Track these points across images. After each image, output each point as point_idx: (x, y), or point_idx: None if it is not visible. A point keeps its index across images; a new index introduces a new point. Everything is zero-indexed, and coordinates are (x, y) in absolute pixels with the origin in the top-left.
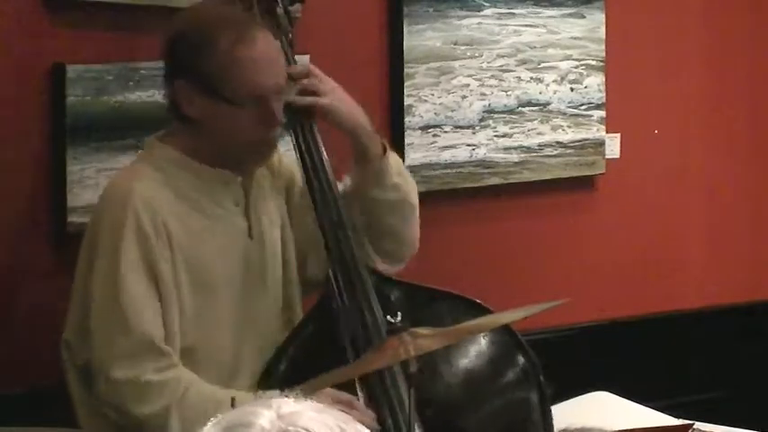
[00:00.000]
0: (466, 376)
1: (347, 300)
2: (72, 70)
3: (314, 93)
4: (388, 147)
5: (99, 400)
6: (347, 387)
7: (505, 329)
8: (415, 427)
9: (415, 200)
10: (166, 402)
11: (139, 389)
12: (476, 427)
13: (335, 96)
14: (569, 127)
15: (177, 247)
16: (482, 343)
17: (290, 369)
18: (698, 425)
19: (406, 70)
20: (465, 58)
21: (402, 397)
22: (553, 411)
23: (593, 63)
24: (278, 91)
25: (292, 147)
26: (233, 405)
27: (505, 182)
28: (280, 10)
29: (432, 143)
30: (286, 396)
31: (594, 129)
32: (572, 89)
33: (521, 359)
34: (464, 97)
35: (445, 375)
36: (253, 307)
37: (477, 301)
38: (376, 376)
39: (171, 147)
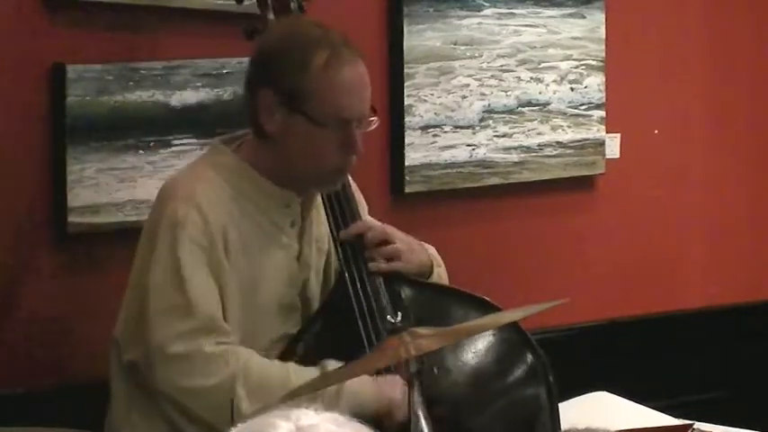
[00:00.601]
0: (474, 374)
1: (357, 296)
2: (72, 70)
3: (392, 257)
4: (435, 264)
5: (157, 389)
6: None
7: (514, 327)
8: (424, 424)
9: (446, 281)
10: (231, 372)
11: (201, 361)
12: (484, 424)
13: (407, 256)
14: (569, 127)
15: (232, 257)
16: (491, 341)
17: (299, 364)
18: (698, 425)
19: (406, 70)
20: (465, 58)
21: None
22: None
23: (593, 63)
24: (362, 118)
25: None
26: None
27: (505, 182)
28: (294, 5)
29: (432, 143)
30: (306, 407)
31: (594, 129)
32: (572, 89)
33: (530, 357)
34: (464, 97)
35: (454, 373)
36: (283, 328)
37: (486, 298)
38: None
39: (237, 155)
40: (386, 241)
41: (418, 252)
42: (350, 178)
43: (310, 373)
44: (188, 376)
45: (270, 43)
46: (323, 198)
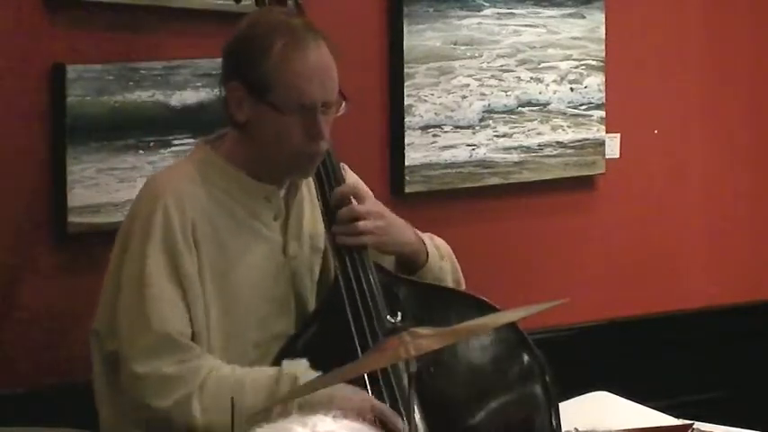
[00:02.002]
0: (471, 374)
1: (352, 296)
2: (72, 70)
3: (362, 231)
4: (429, 252)
5: (122, 391)
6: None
7: (512, 327)
8: (421, 424)
9: (457, 276)
10: (185, 392)
11: (158, 382)
12: (481, 424)
13: (383, 229)
14: (569, 127)
15: (204, 251)
16: (488, 341)
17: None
18: (698, 425)
19: (406, 70)
20: (465, 58)
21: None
22: None
23: (593, 63)
24: (327, 104)
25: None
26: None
27: (505, 182)
28: (291, 3)
29: (432, 143)
30: (324, 414)
31: (594, 129)
32: (572, 89)
33: (526, 357)
34: (464, 97)
35: (451, 373)
36: (279, 324)
37: (484, 299)
38: (381, 374)
39: (217, 152)
40: (358, 217)
41: (402, 231)
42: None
43: (265, 378)
44: (147, 396)
45: (235, 36)
46: (314, 179)
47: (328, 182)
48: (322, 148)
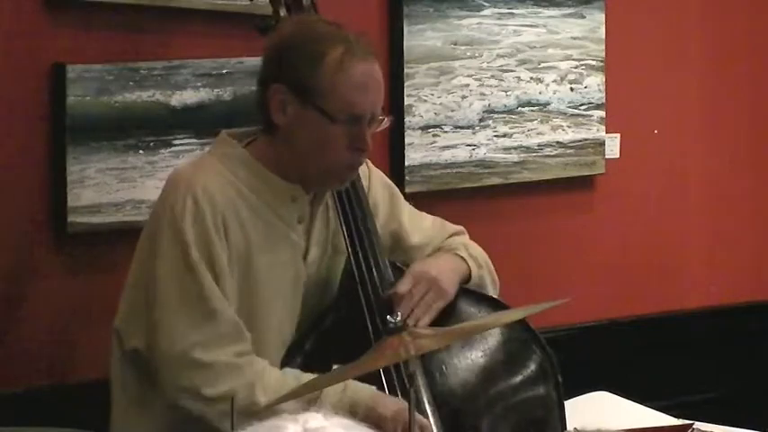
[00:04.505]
0: (483, 372)
1: (367, 296)
2: (72, 70)
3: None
4: (471, 268)
5: (168, 386)
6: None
7: (523, 326)
8: (433, 423)
9: (493, 278)
10: (246, 380)
11: (218, 370)
12: (493, 422)
13: (435, 297)
14: (569, 127)
15: (233, 245)
16: (499, 339)
17: (307, 361)
18: (698, 425)
19: (406, 70)
20: (465, 58)
21: (421, 394)
22: None
23: (593, 63)
24: (373, 116)
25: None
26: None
27: (505, 182)
28: (307, 2)
29: (432, 143)
30: (317, 411)
31: (594, 129)
32: (572, 89)
33: (538, 355)
34: (464, 97)
35: (462, 371)
36: (283, 323)
37: (495, 297)
38: (393, 372)
39: (246, 148)
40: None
41: (445, 277)
42: (382, 175)
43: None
44: (203, 385)
45: (283, 39)
46: (333, 198)
47: (372, 283)
48: (363, 160)
